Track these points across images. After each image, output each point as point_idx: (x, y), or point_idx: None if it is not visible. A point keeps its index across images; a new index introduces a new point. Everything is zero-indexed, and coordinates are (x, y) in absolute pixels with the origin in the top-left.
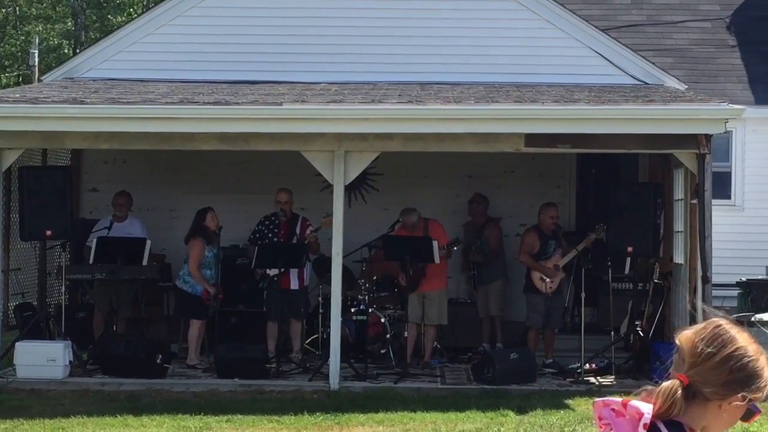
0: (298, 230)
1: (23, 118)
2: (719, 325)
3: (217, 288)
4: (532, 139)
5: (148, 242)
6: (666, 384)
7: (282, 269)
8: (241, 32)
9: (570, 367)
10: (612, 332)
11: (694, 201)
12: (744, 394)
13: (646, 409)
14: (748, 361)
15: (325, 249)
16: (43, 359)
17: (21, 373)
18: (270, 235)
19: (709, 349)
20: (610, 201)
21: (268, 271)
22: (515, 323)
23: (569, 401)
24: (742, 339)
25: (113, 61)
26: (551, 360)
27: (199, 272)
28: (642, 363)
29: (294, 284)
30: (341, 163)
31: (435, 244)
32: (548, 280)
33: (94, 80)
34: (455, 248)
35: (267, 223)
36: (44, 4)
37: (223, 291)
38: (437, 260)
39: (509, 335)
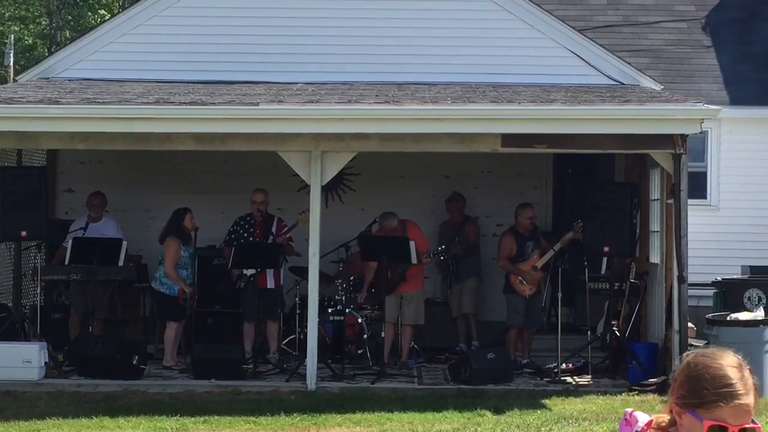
0: (273, 230)
1: None
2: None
3: (193, 288)
4: (508, 139)
5: (125, 243)
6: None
7: (258, 269)
8: (218, 32)
9: (547, 366)
10: (589, 332)
11: (670, 201)
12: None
13: (642, 419)
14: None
15: (301, 249)
16: (18, 360)
17: None
18: (246, 235)
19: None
20: (587, 201)
21: (245, 271)
22: (491, 323)
23: (546, 401)
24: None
25: (89, 61)
26: (528, 360)
27: (175, 272)
28: (618, 362)
29: (270, 284)
30: (318, 164)
31: (412, 244)
32: (526, 282)
33: (69, 80)
34: (442, 257)
35: (242, 223)
36: (18, 4)
37: (200, 291)
38: (414, 260)
39: (486, 335)
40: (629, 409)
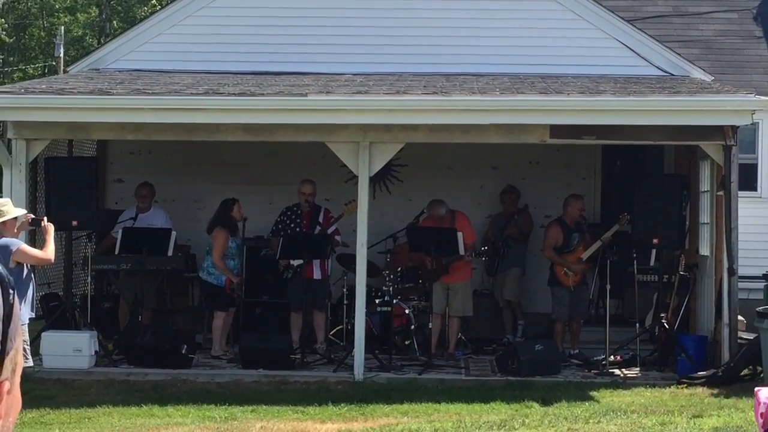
0: (320, 221)
1: (49, 108)
2: None
3: (240, 278)
4: (557, 130)
5: (173, 233)
6: None
7: (305, 259)
8: (266, 23)
9: (595, 358)
10: (637, 324)
11: (720, 193)
12: None
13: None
14: None
15: (349, 240)
16: (69, 349)
17: (47, 363)
18: (292, 225)
19: None
20: (636, 193)
21: (291, 261)
22: (538, 315)
23: (594, 393)
24: None
25: (139, 52)
26: (577, 351)
27: (222, 262)
28: (667, 355)
29: (317, 274)
30: (366, 155)
31: (460, 235)
32: (572, 273)
33: (119, 71)
34: (484, 258)
35: (289, 213)
36: None
37: (248, 282)
38: (462, 251)
39: (532, 327)
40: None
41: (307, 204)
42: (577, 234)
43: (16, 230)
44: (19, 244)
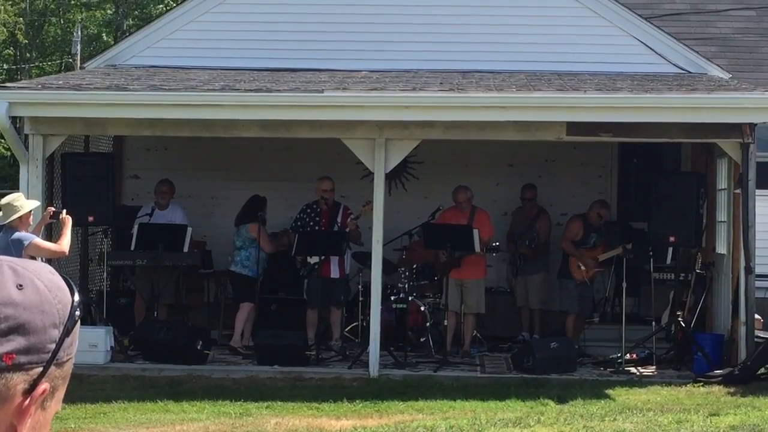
0: (339, 219)
1: (66, 104)
2: None
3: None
4: (573, 127)
5: (189, 229)
6: None
7: (323, 257)
8: (283, 20)
9: (611, 357)
10: (653, 322)
11: (738, 191)
12: None
13: None
14: None
15: (364, 238)
16: (84, 344)
17: None
18: (311, 223)
19: None
20: (653, 191)
21: (309, 258)
22: (554, 313)
23: (610, 391)
24: None
25: (155, 48)
26: (576, 347)
27: (272, 243)
28: (683, 354)
29: (334, 273)
30: (382, 151)
31: (476, 233)
32: (584, 268)
33: (136, 67)
34: (494, 254)
35: (308, 211)
36: None
37: (264, 278)
38: (477, 249)
39: (548, 325)
40: None
41: (325, 201)
42: (595, 234)
43: (34, 225)
44: (31, 238)
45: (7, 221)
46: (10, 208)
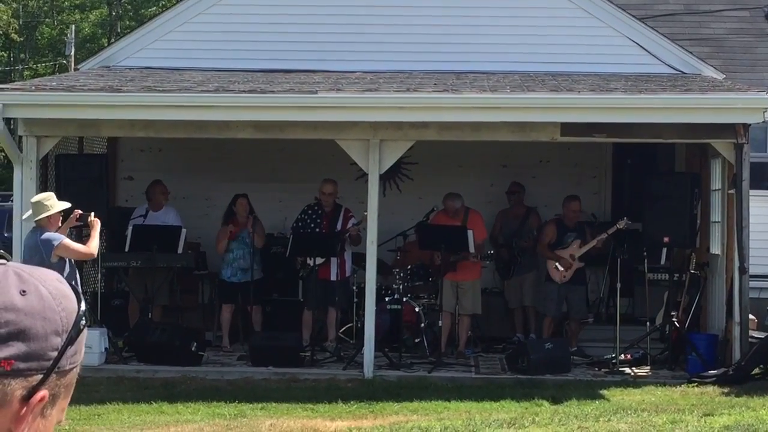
0: (340, 221)
1: (60, 106)
2: None
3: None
4: (568, 128)
5: (184, 230)
6: None
7: (323, 260)
8: (277, 21)
9: (605, 357)
10: (648, 323)
11: (732, 191)
12: None
13: None
14: None
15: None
16: None
17: None
18: (312, 225)
19: None
20: (647, 191)
21: (308, 260)
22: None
23: (604, 391)
24: None
25: (149, 49)
26: (575, 348)
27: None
28: (678, 354)
29: (333, 275)
30: (376, 152)
31: (470, 234)
32: (561, 268)
33: (130, 69)
34: (488, 262)
35: (310, 212)
36: None
37: (258, 279)
38: (472, 249)
39: (541, 327)
40: None
41: (326, 203)
42: (573, 233)
43: (62, 226)
44: (61, 239)
45: (36, 219)
46: (40, 206)
